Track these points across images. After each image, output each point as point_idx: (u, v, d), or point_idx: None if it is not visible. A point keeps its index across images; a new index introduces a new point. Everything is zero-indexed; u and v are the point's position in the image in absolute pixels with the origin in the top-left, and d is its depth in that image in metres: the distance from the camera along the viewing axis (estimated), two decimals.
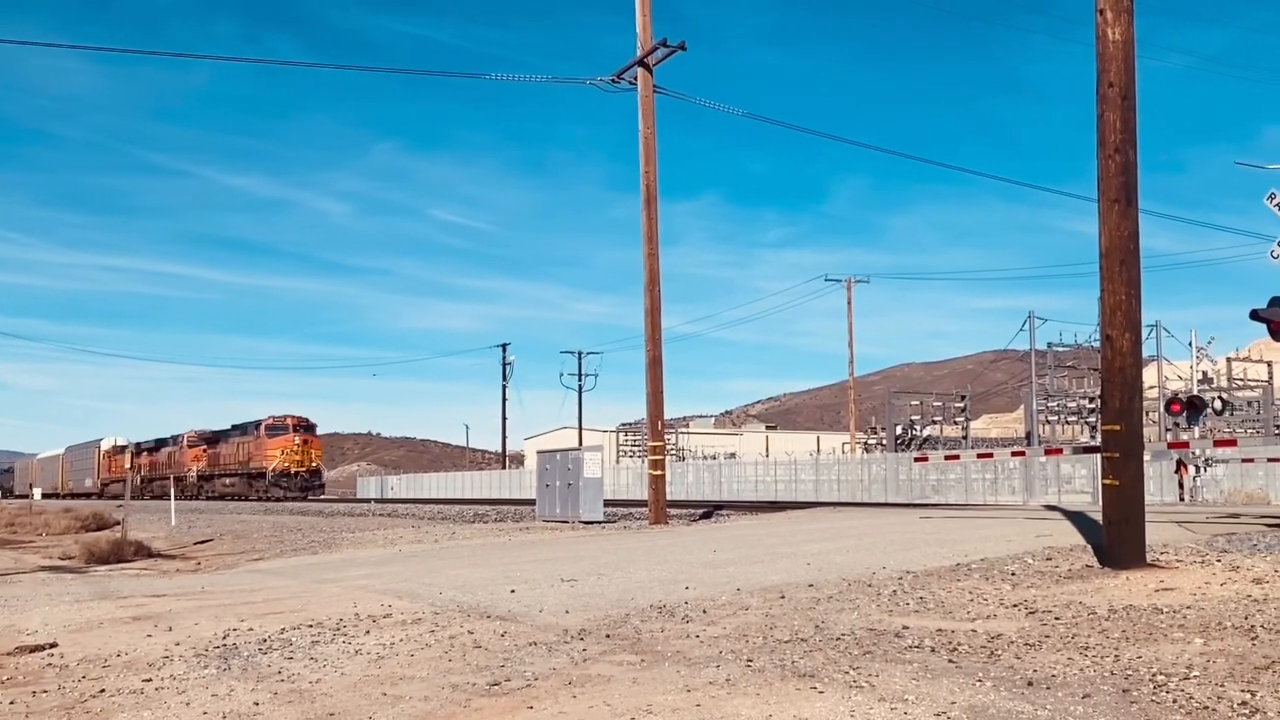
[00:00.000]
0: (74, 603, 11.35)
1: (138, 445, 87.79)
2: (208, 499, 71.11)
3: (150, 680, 7.07)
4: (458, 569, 13.68)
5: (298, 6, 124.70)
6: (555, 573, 12.33)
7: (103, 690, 6.82)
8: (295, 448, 67.33)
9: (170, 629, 9.16)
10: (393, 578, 12.97)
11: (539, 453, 27.75)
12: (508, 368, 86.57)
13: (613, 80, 22.80)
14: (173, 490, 51.89)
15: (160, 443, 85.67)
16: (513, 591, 10.78)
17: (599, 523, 23.21)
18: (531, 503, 27.21)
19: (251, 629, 8.95)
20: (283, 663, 7.43)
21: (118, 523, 29.26)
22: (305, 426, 69.06)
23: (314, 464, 68.49)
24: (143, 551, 22.74)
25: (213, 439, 76.57)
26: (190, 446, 78.91)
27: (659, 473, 22.14)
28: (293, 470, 66.62)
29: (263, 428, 68.30)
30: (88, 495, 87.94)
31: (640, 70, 22.21)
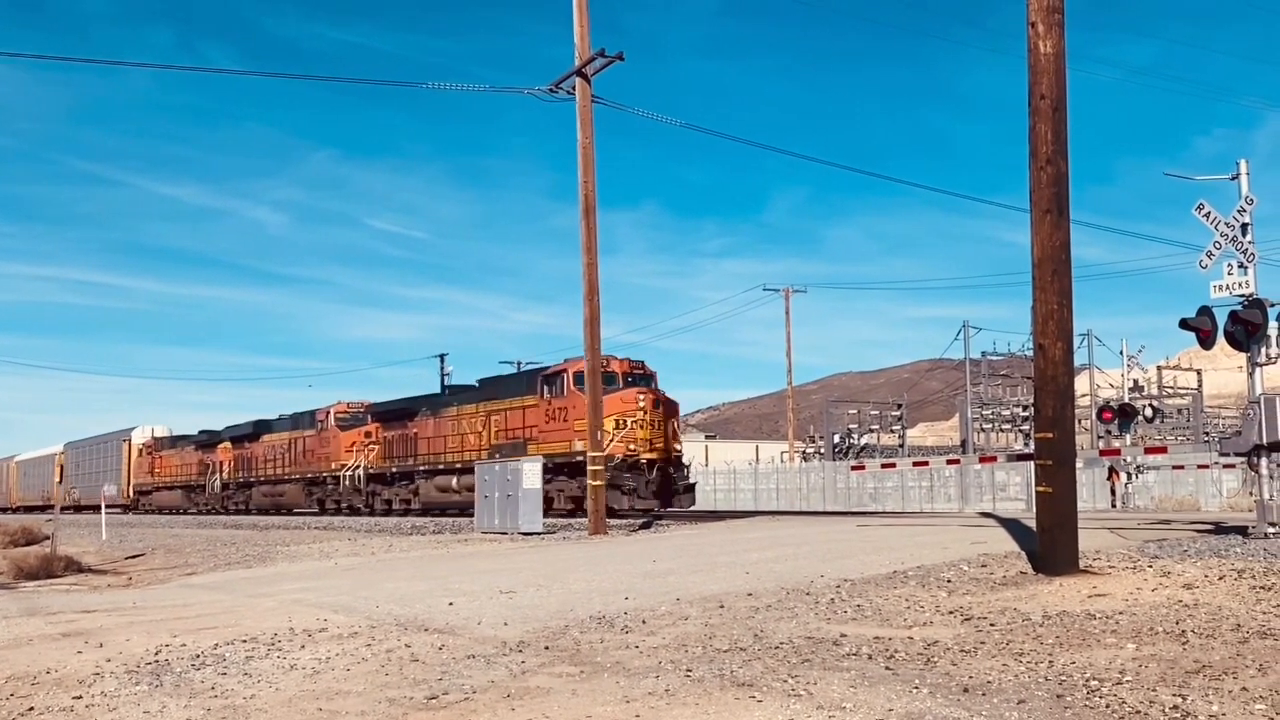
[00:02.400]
0: (1, 619, 11.13)
1: (208, 434, 59.40)
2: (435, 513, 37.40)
3: (80, 698, 6.94)
4: (395, 582, 13.56)
5: (233, 14, 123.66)
6: (494, 584, 12.26)
7: (31, 708, 6.69)
8: (644, 417, 30.76)
9: (101, 645, 9.00)
10: (329, 591, 12.84)
11: (478, 464, 27.60)
12: (446, 378, 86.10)
13: (550, 90, 22.76)
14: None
15: (260, 427, 52.36)
16: (451, 604, 10.70)
17: (539, 534, 23.12)
18: (471, 514, 27.05)
19: (184, 644, 8.81)
20: (216, 678, 7.33)
21: (47, 537, 28.72)
22: (643, 377, 32.75)
23: (675, 447, 32.02)
24: (73, 567, 22.33)
25: (402, 412, 41.40)
26: (349, 426, 44.27)
27: (598, 483, 22.11)
28: (643, 458, 30.37)
29: (568, 377, 32.09)
30: (98, 508, 51.56)
31: (578, 80, 22.20)
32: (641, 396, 30.67)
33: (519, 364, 47.35)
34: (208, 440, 58.20)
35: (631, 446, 29.97)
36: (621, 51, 21.95)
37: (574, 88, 22.36)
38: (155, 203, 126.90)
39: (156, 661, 8.11)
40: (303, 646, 8.47)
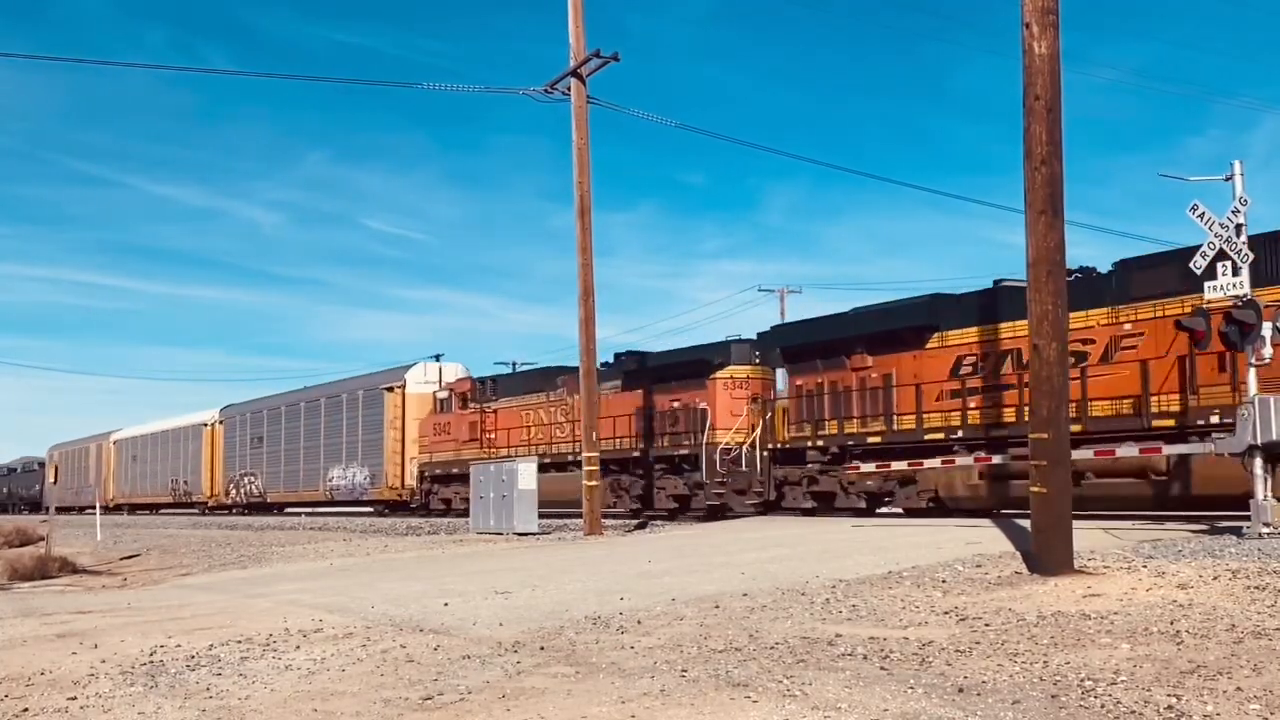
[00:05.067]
0: None
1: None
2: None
3: (75, 699, 6.94)
4: (390, 582, 13.56)
5: (230, 14, 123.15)
6: (489, 585, 12.26)
7: (26, 709, 6.68)
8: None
9: (96, 646, 9.00)
10: (324, 592, 12.83)
11: (473, 465, 27.59)
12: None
13: (546, 90, 22.73)
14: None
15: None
16: (446, 605, 10.70)
17: (534, 534, 23.10)
18: (466, 514, 27.00)
19: (179, 645, 8.81)
20: (211, 679, 7.32)
21: (42, 538, 28.69)
22: None
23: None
24: (68, 568, 22.34)
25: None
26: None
27: (594, 483, 22.10)
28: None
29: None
30: (332, 505, 43.80)
31: (574, 81, 22.18)
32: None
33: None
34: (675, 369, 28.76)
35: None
36: (617, 52, 21.94)
37: (569, 88, 22.35)
38: (152, 203, 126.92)
39: (151, 662, 8.10)
40: (298, 647, 8.46)
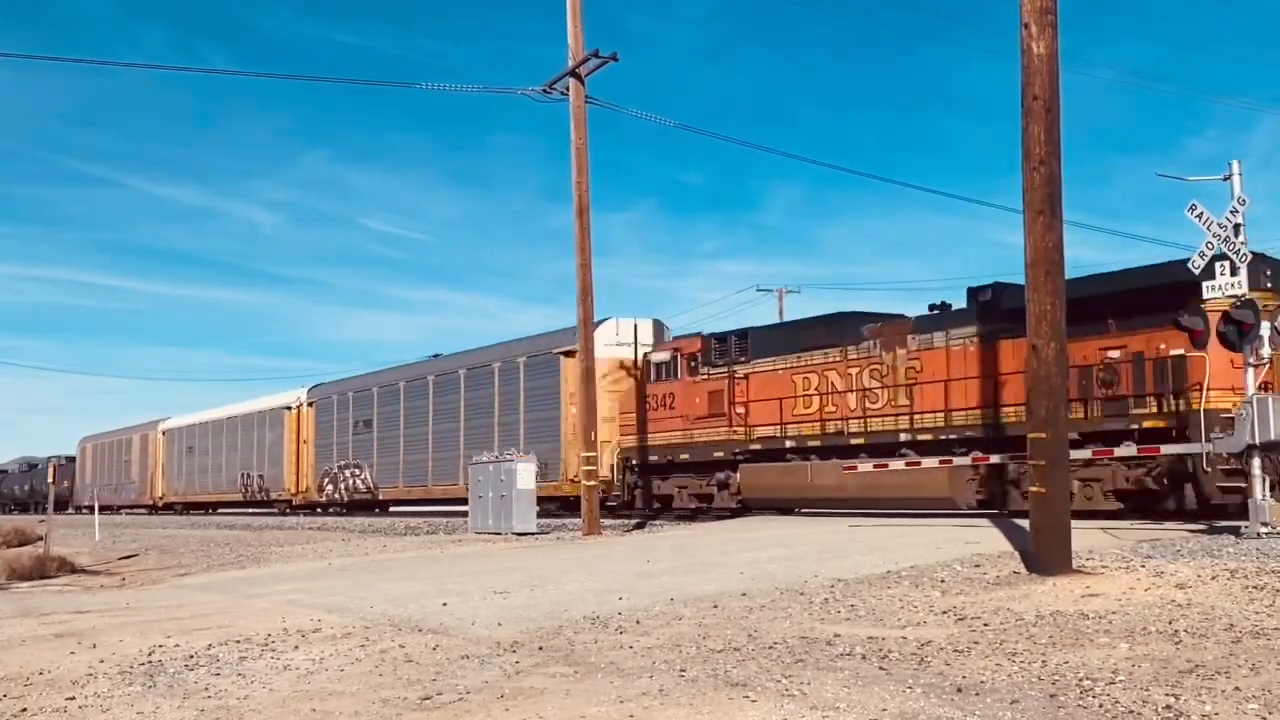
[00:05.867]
0: None
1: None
2: None
3: (74, 698, 6.94)
4: (389, 582, 13.56)
5: (228, 14, 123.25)
6: (488, 585, 12.25)
7: (24, 709, 6.68)
8: None
9: (94, 646, 8.99)
10: (322, 592, 12.83)
11: (471, 464, 27.57)
12: None
13: (544, 90, 22.73)
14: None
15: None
16: (445, 604, 10.70)
17: (533, 534, 23.11)
18: (465, 514, 26.96)
19: (178, 645, 8.80)
20: (210, 679, 7.32)
21: (40, 538, 28.68)
22: None
23: None
24: (66, 567, 22.33)
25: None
26: None
27: (593, 483, 22.09)
28: None
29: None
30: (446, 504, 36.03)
31: (572, 81, 22.17)
32: None
33: None
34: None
35: None
36: (615, 52, 21.93)
37: (568, 88, 22.34)
38: (150, 203, 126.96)
39: (150, 662, 8.10)
40: (296, 647, 8.46)
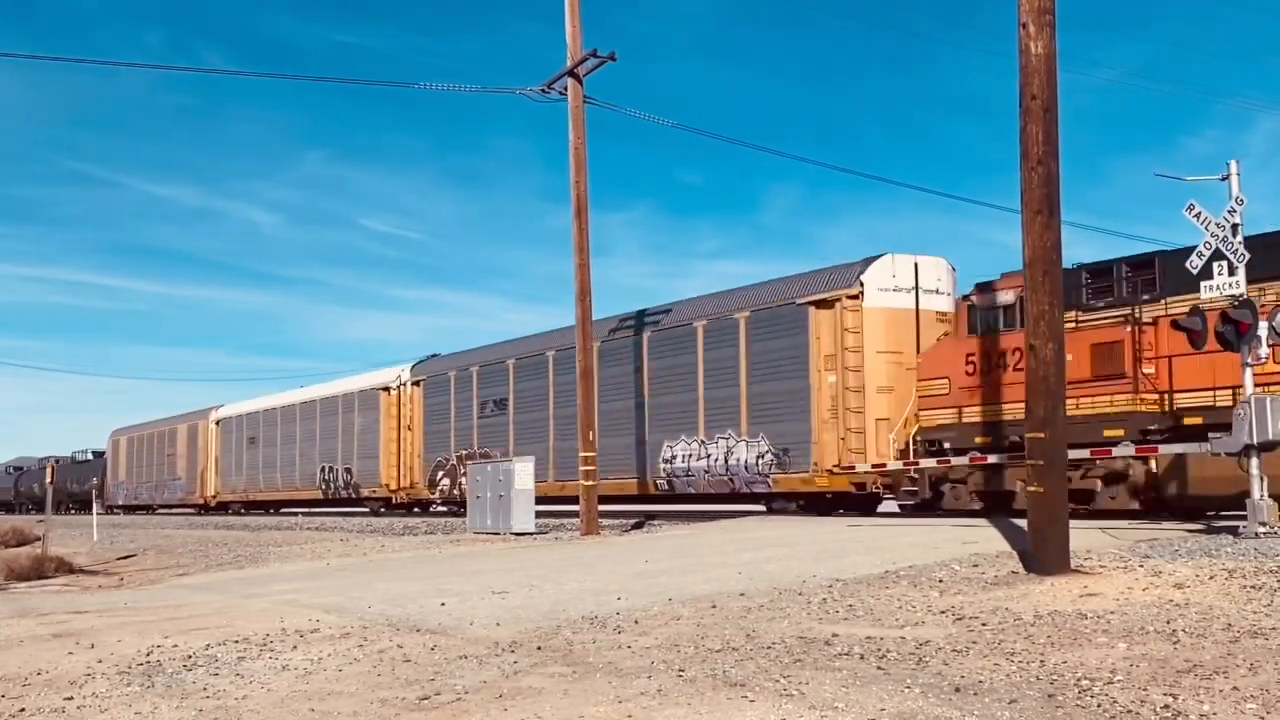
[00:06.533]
0: None
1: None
2: None
3: (72, 699, 6.94)
4: (387, 582, 13.55)
5: (227, 14, 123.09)
6: (486, 585, 12.25)
7: (23, 709, 6.68)
8: None
9: (92, 646, 8.99)
10: (321, 592, 12.82)
11: (470, 464, 27.58)
12: None
13: (543, 90, 22.73)
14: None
15: None
16: (443, 604, 10.70)
17: (531, 534, 23.10)
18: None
19: (176, 645, 8.80)
20: (208, 679, 7.32)
21: (38, 538, 28.67)
22: None
23: None
24: (64, 567, 22.30)
25: None
26: None
27: (591, 483, 22.08)
28: None
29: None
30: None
31: (570, 80, 22.17)
32: None
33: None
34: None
35: None
36: (614, 52, 21.93)
37: (566, 88, 22.34)
38: (150, 203, 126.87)
39: (148, 662, 8.10)
40: (295, 647, 8.46)
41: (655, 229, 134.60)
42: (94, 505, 41.68)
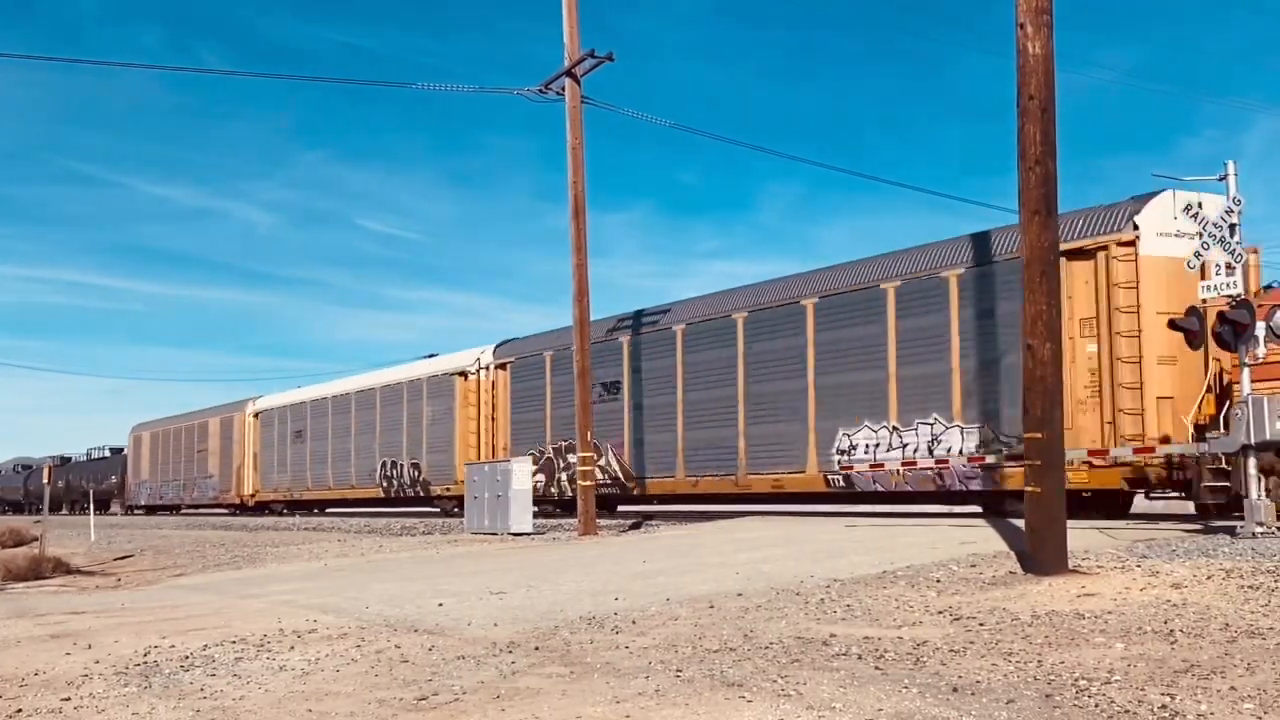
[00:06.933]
0: None
1: None
2: None
3: (69, 699, 6.93)
4: (384, 583, 13.55)
5: (225, 14, 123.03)
6: (484, 585, 12.25)
7: (20, 710, 6.67)
8: None
9: (90, 647, 8.98)
10: (318, 592, 12.82)
11: (467, 464, 27.56)
12: None
13: (540, 90, 22.71)
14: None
15: None
16: (440, 605, 10.69)
17: (528, 534, 23.09)
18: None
19: (173, 646, 8.79)
20: (205, 680, 7.31)
21: (35, 539, 28.65)
22: None
23: None
24: (62, 568, 22.27)
25: None
26: None
27: (588, 483, 22.07)
28: None
29: None
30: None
31: (568, 81, 22.16)
32: None
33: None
34: None
35: None
36: (611, 52, 21.91)
37: (564, 89, 22.33)
38: (147, 203, 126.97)
39: (145, 663, 8.09)
40: (292, 648, 8.46)
41: (653, 229, 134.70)
42: (113, 505, 40.10)
